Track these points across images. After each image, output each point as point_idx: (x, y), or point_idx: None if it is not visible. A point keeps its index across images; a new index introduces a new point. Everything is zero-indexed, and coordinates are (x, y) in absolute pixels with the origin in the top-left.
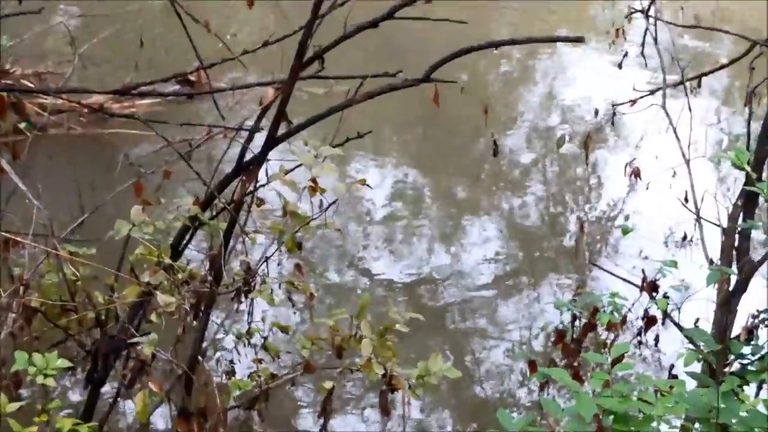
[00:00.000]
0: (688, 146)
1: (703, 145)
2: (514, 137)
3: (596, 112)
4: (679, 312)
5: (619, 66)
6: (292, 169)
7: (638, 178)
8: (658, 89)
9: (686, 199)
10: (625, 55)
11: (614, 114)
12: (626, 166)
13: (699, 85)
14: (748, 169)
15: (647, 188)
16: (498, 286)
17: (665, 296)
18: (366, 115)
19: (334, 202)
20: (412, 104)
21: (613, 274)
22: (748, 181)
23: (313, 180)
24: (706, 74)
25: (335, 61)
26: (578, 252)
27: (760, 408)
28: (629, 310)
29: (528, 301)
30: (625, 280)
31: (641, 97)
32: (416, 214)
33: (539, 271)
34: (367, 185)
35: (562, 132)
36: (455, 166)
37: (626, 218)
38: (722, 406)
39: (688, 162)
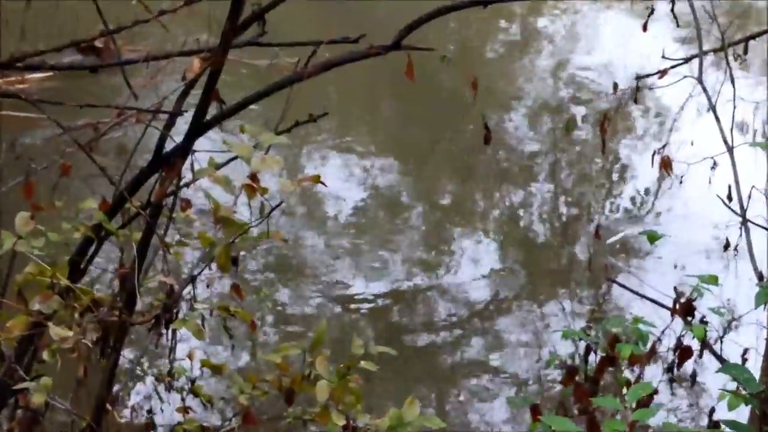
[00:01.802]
0: (731, 130)
1: (752, 127)
2: (513, 119)
3: (615, 87)
4: (721, 342)
5: (644, 27)
6: (226, 163)
7: (669, 171)
8: (693, 57)
9: (729, 197)
10: (651, 12)
11: (638, 89)
12: (654, 154)
13: (745, 51)
14: None
15: (680, 183)
16: (493, 309)
17: (703, 321)
18: (323, 94)
19: (279, 205)
20: (382, 79)
21: (638, 294)
22: None
23: (253, 176)
24: (753, 37)
25: (281, 24)
26: (593, 265)
27: None
28: (658, 339)
29: (531, 329)
30: (652, 300)
31: (672, 67)
32: (391, 219)
33: (545, 290)
34: (322, 183)
35: (572, 112)
36: (439, 156)
37: (654, 220)
38: None
39: (731, 150)
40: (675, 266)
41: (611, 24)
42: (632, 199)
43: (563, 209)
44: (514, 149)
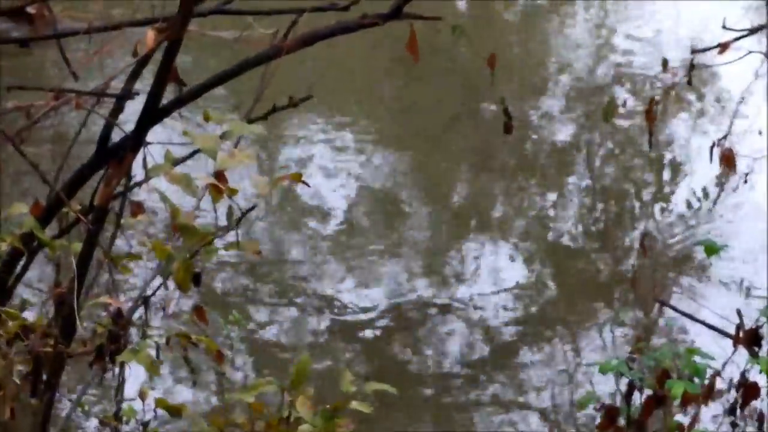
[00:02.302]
0: None
1: None
2: (541, 103)
3: (665, 64)
4: None
5: None
6: (187, 158)
7: (732, 167)
8: (761, 28)
9: None
10: None
11: (692, 66)
12: (712, 147)
13: None
14: None
15: (745, 182)
16: (517, 335)
17: None
18: (308, 72)
19: (251, 209)
20: (382, 53)
21: (693, 318)
22: None
23: (219, 175)
24: None
25: None
26: (638, 282)
27: None
28: (718, 373)
29: (561, 359)
30: (710, 326)
31: (735, 40)
32: (392, 223)
33: (580, 313)
34: (304, 182)
35: (614, 95)
36: (452, 147)
37: (714, 228)
38: None
39: None
40: (740, 285)
41: None
42: (687, 202)
43: (602, 212)
44: (543, 140)
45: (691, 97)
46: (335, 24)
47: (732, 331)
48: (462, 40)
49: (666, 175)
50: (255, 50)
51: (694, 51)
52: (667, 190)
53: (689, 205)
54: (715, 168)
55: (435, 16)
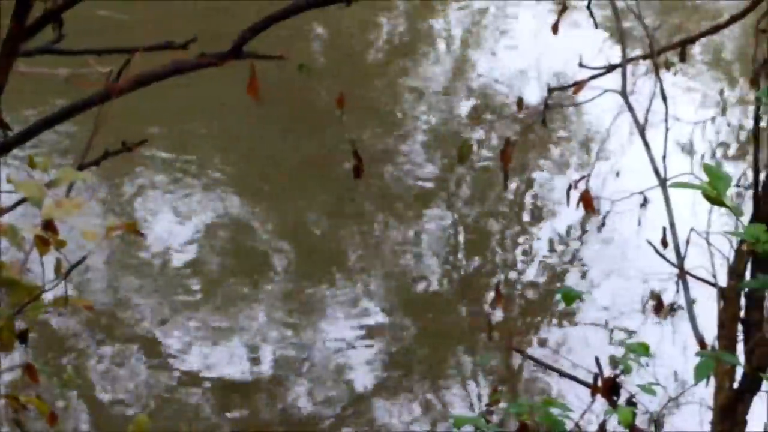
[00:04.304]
0: (664, 158)
1: (697, 151)
2: (395, 144)
3: (520, 103)
4: (656, 427)
5: (554, 29)
6: (12, 207)
7: (590, 210)
8: (617, 66)
9: (663, 242)
10: (563, 10)
11: (546, 106)
12: (569, 189)
13: (683, 59)
14: (729, 204)
15: (603, 225)
16: (375, 388)
17: (631, 402)
18: (149, 111)
19: (80, 262)
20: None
21: (550, 367)
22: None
23: (48, 225)
24: (686, 43)
25: (89, 25)
26: (495, 330)
27: None
28: (576, 425)
29: (421, 409)
30: (568, 376)
31: (590, 78)
32: (242, 267)
33: (439, 361)
34: (137, 232)
35: (471, 135)
36: (308, 186)
37: (576, 273)
38: None
39: (663, 183)
40: (603, 331)
41: (519, 22)
42: (543, 248)
43: (463, 257)
44: (401, 181)
45: (557, 135)
46: (171, 64)
47: (590, 379)
48: (325, 81)
49: (528, 218)
50: (88, 92)
51: (550, 89)
52: (522, 235)
53: (545, 251)
54: (574, 211)
55: (278, 56)
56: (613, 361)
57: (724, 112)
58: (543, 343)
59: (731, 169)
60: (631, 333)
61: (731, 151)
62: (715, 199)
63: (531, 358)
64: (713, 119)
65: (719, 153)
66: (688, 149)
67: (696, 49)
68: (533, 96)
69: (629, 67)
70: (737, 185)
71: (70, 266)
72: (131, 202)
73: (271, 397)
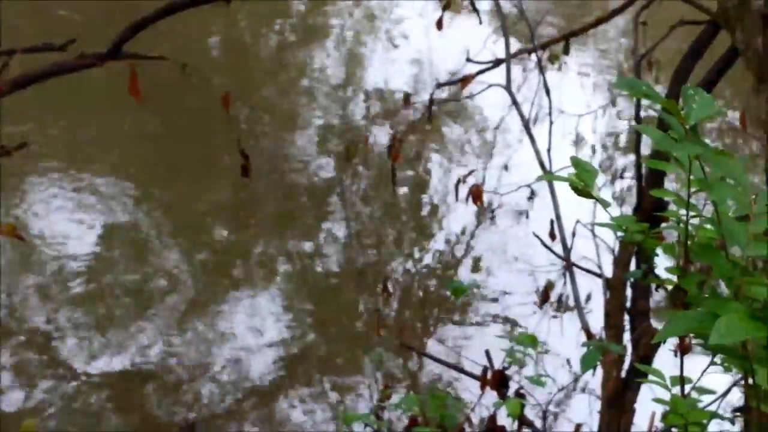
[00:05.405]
0: (548, 151)
1: (591, 142)
2: (286, 145)
3: (407, 98)
4: (545, 417)
5: (439, 24)
6: None
7: (479, 204)
8: (501, 61)
9: (551, 235)
10: (446, 6)
11: (431, 103)
12: (457, 184)
13: (566, 52)
14: (597, 196)
15: (492, 218)
16: (276, 389)
17: (519, 394)
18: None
19: None
20: (119, 95)
21: (440, 361)
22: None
23: None
24: (569, 36)
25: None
26: (380, 328)
27: None
28: (467, 418)
29: (321, 407)
30: (457, 368)
31: (479, 73)
32: (136, 277)
33: (338, 359)
34: (18, 236)
35: (364, 133)
36: (201, 189)
37: (469, 266)
38: None
39: (547, 174)
40: (484, 324)
41: (407, 23)
42: (431, 242)
43: (357, 254)
44: (285, 183)
45: (450, 130)
46: (51, 65)
47: (479, 372)
48: (212, 81)
49: (409, 213)
50: None
51: (438, 84)
52: (411, 230)
53: (432, 246)
54: (461, 205)
55: (158, 56)
56: (510, 354)
57: (614, 103)
58: (436, 337)
59: (623, 160)
60: (516, 325)
61: (621, 143)
62: (582, 190)
63: (421, 353)
64: (604, 109)
65: (609, 143)
66: (579, 141)
67: (590, 42)
68: (426, 93)
69: (520, 62)
70: (622, 177)
71: None
72: (14, 207)
73: (170, 397)
